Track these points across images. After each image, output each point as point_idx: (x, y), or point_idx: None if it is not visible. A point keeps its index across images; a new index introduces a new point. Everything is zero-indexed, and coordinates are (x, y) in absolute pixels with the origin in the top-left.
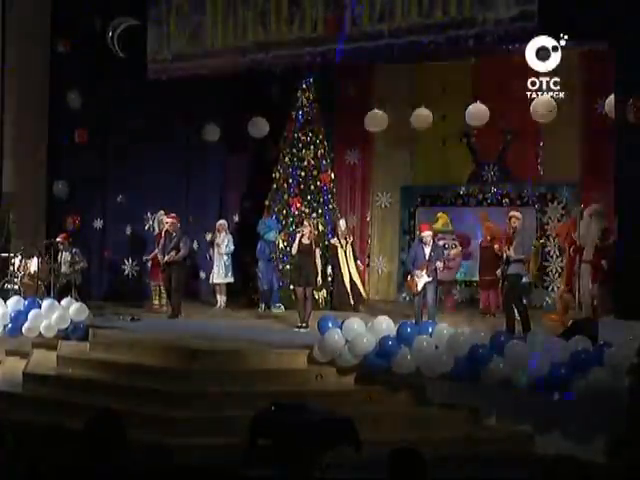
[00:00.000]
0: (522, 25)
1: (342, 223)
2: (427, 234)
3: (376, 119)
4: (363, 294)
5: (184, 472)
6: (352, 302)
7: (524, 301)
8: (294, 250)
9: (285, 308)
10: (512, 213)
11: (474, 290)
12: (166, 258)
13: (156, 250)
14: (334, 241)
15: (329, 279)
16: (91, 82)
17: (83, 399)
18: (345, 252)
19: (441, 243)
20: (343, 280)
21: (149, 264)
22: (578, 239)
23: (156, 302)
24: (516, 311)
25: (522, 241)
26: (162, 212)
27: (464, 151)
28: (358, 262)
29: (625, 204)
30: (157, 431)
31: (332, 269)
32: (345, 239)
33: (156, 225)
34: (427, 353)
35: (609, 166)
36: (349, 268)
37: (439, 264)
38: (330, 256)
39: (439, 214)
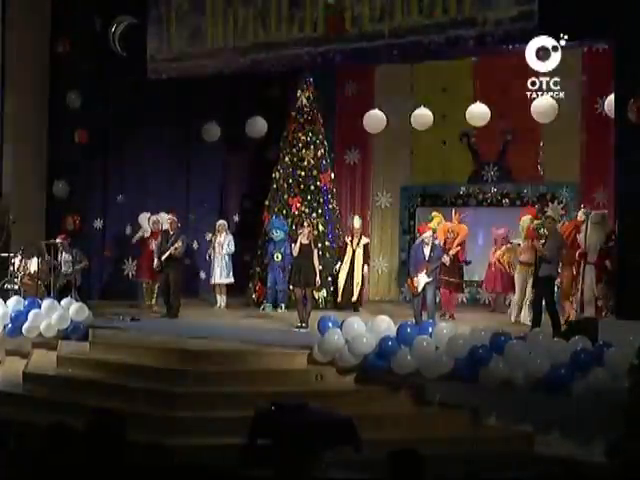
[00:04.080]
0: (522, 25)
1: (356, 220)
2: (428, 234)
3: (376, 119)
4: (355, 295)
5: (184, 472)
6: (341, 301)
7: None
8: (295, 251)
9: (285, 308)
10: (548, 214)
11: (475, 290)
12: (166, 254)
13: (139, 235)
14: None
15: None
16: (91, 82)
17: (83, 399)
18: (354, 251)
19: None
20: (338, 279)
21: (134, 264)
22: (584, 243)
23: (148, 302)
24: (548, 314)
25: (556, 241)
26: (147, 214)
27: (464, 151)
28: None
29: (625, 204)
30: (157, 431)
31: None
32: (359, 237)
33: (150, 226)
34: (427, 353)
35: (609, 166)
36: (353, 267)
37: (439, 263)
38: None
39: (433, 213)
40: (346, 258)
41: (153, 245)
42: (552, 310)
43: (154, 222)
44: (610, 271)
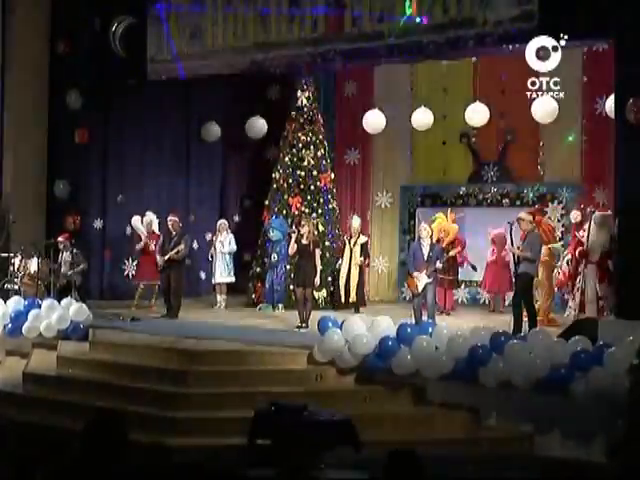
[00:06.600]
0: (522, 25)
1: (355, 220)
2: (422, 227)
3: (376, 119)
4: (352, 295)
5: (184, 472)
6: (344, 301)
7: (535, 301)
8: (291, 251)
9: (285, 308)
10: (520, 215)
11: (475, 290)
12: (167, 256)
13: (142, 243)
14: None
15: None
16: (91, 82)
17: (83, 399)
18: (351, 251)
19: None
20: (339, 279)
21: (135, 264)
22: (587, 243)
23: (137, 302)
24: (525, 310)
25: (532, 240)
26: (151, 213)
27: (464, 151)
28: (363, 260)
29: (625, 204)
30: (157, 431)
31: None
32: (357, 237)
33: (144, 227)
34: (427, 353)
35: (609, 166)
36: (350, 267)
37: (439, 265)
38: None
39: (437, 214)
40: (345, 258)
41: (153, 246)
42: (528, 306)
43: (147, 223)
44: (612, 272)
